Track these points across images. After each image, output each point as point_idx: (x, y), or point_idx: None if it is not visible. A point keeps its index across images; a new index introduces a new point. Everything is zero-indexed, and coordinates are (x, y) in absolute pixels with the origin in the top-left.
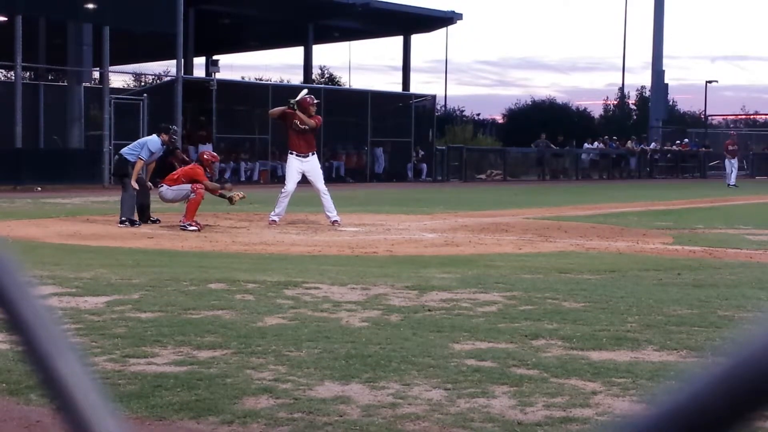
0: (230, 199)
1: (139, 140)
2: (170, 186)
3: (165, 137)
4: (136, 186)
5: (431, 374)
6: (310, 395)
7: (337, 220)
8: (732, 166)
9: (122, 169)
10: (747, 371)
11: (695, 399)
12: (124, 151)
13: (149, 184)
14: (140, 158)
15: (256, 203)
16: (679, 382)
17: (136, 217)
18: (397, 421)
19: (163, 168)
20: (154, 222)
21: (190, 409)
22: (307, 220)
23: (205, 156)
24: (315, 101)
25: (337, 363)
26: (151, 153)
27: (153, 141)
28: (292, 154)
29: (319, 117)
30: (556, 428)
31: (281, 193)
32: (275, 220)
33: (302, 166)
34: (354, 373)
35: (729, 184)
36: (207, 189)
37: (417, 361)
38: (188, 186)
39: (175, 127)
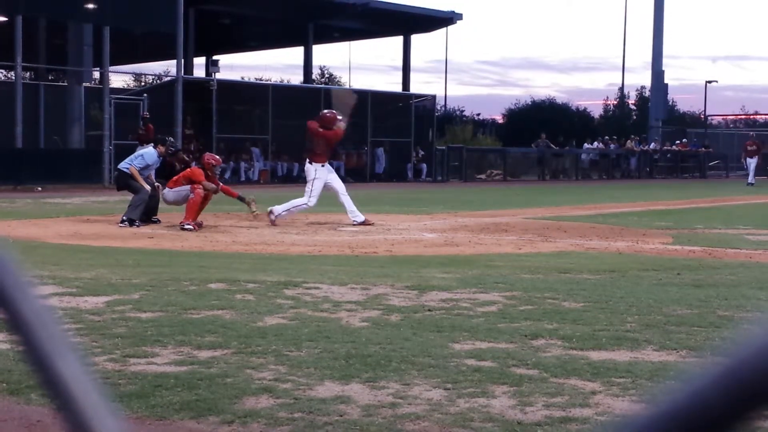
0: (249, 204)
1: (135, 153)
2: (171, 188)
3: (162, 149)
4: (148, 188)
5: (431, 374)
6: (310, 395)
7: (357, 221)
8: (751, 165)
9: (122, 182)
10: (747, 371)
11: (695, 399)
12: (120, 165)
13: (157, 184)
14: (132, 166)
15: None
16: (679, 382)
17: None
18: (397, 421)
19: (163, 169)
20: (154, 222)
21: (191, 408)
22: (308, 220)
23: (205, 159)
24: (340, 117)
25: (337, 363)
26: (147, 164)
27: (149, 153)
28: (321, 165)
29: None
30: (556, 428)
31: (304, 204)
32: (274, 219)
33: (329, 175)
34: (354, 373)
35: (749, 183)
36: (205, 189)
37: (417, 361)
38: (188, 187)
39: (172, 139)
